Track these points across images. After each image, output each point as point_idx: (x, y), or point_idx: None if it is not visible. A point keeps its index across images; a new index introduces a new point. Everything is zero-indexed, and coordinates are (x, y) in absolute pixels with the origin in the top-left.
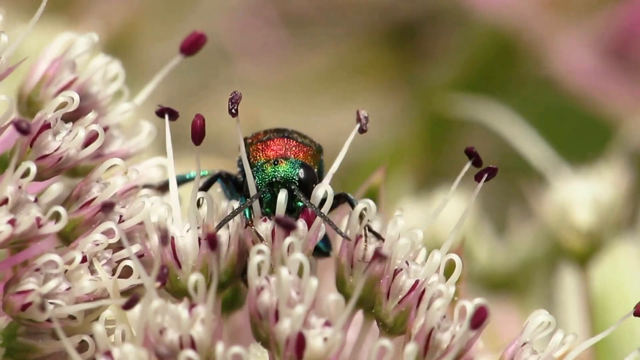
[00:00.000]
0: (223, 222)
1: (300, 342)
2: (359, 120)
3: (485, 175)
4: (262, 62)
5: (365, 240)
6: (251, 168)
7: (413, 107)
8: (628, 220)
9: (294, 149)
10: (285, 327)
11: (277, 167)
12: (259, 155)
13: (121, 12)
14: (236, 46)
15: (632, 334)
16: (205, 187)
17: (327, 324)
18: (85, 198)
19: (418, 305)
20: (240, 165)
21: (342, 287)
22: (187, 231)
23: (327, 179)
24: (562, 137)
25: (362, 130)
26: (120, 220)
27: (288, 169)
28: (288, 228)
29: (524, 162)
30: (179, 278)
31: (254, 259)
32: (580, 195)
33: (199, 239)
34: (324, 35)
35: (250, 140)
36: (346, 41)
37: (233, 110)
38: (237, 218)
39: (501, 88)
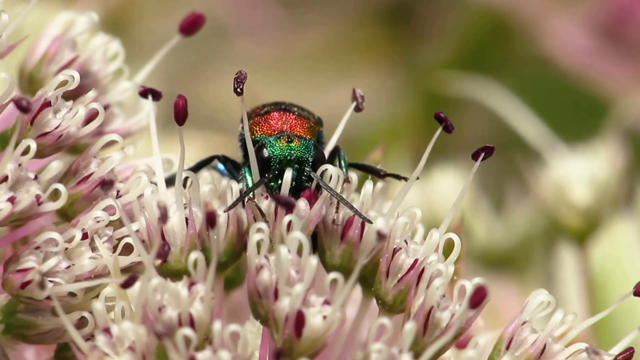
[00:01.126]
0: (236, 203)
1: (300, 320)
2: (355, 98)
3: (483, 154)
4: (259, 39)
5: (337, 205)
6: (254, 142)
7: (409, 85)
8: (625, 197)
9: (294, 121)
10: (285, 305)
11: (292, 146)
12: (260, 129)
13: None
14: (234, 24)
15: (632, 312)
16: (196, 168)
17: (327, 302)
18: (83, 173)
19: (417, 284)
20: (242, 141)
21: (322, 255)
22: (174, 212)
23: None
24: (557, 115)
25: (357, 109)
26: (118, 196)
27: (302, 149)
28: (287, 207)
29: (520, 140)
30: (167, 259)
31: (253, 237)
32: (576, 172)
33: (186, 219)
34: (320, 13)
35: (248, 114)
36: (342, 19)
37: (239, 90)
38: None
39: (496, 67)
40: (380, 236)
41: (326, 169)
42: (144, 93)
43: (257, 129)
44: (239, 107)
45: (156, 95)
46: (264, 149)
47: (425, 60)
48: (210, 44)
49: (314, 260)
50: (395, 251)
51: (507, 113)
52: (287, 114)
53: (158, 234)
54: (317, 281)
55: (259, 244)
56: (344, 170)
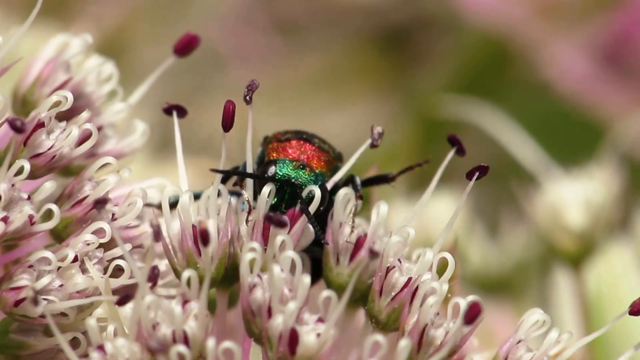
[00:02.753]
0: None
1: (293, 338)
2: (372, 135)
3: (477, 174)
4: (254, 66)
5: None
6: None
7: (406, 111)
8: (620, 221)
9: (312, 152)
10: (278, 323)
11: (300, 172)
12: (277, 155)
13: (114, 15)
14: (229, 51)
15: (628, 333)
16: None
17: (320, 320)
18: (77, 196)
19: (411, 302)
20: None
21: (329, 272)
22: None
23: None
24: (554, 140)
25: (372, 146)
26: (113, 219)
27: (309, 179)
28: (279, 225)
29: (516, 164)
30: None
31: (246, 257)
32: (572, 196)
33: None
34: (316, 39)
35: (269, 138)
36: (339, 46)
37: (247, 98)
38: (225, 215)
39: (494, 92)
40: (372, 254)
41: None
42: (169, 109)
43: (274, 154)
44: (233, 133)
45: (181, 112)
46: (273, 165)
47: (423, 86)
48: (205, 70)
49: (307, 279)
50: (388, 270)
51: (503, 137)
52: (307, 144)
53: (152, 252)
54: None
55: (251, 263)
56: (358, 188)
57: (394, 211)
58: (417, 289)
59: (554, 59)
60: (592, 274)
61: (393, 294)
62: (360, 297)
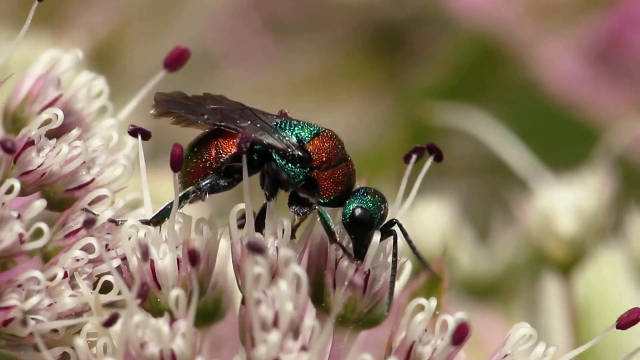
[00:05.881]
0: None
1: None
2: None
3: (415, 156)
4: (246, 67)
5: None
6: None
7: (397, 113)
8: (612, 227)
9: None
10: (261, 353)
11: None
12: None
13: (106, 22)
14: (221, 52)
15: (616, 344)
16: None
17: (304, 348)
18: (71, 226)
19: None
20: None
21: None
22: (166, 254)
23: None
24: (546, 143)
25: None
26: (107, 249)
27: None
28: (257, 252)
29: (509, 167)
30: (159, 300)
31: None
32: (563, 203)
33: (178, 260)
34: (308, 40)
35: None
36: (330, 46)
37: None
38: (208, 234)
39: (485, 94)
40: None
41: None
42: (134, 132)
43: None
44: None
45: (145, 135)
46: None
47: (414, 88)
48: (197, 71)
49: (289, 306)
50: (337, 261)
51: (494, 142)
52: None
53: (139, 272)
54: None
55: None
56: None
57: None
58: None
59: (545, 59)
60: (582, 281)
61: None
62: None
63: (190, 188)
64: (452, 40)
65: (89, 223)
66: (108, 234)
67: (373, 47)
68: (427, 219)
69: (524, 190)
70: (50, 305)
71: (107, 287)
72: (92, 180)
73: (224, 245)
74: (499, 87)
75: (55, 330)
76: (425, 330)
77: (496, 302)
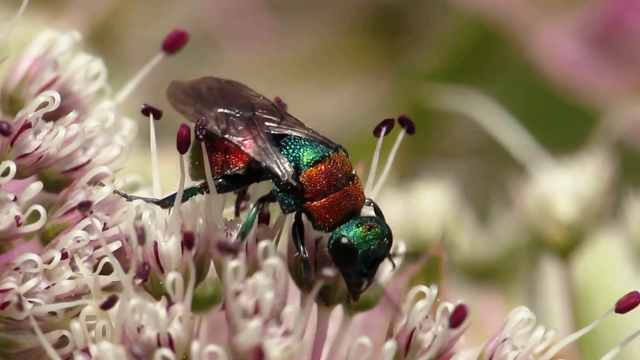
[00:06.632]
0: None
1: (259, 354)
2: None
3: (384, 129)
4: (247, 47)
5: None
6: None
7: (396, 94)
8: (611, 211)
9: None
10: (243, 340)
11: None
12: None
13: (104, 2)
14: (221, 31)
15: (615, 327)
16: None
17: (287, 333)
18: (70, 204)
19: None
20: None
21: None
22: (170, 237)
23: None
24: (544, 126)
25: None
26: (105, 228)
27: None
28: (230, 252)
29: (507, 150)
30: (161, 283)
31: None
32: (561, 187)
33: (182, 244)
34: (308, 20)
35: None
36: (330, 27)
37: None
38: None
39: (484, 76)
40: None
41: None
42: (146, 111)
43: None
44: None
45: (157, 114)
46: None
47: (413, 69)
48: (197, 51)
49: (269, 294)
50: None
51: (493, 125)
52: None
53: (137, 255)
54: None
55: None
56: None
57: (385, 201)
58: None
59: (544, 42)
60: (580, 265)
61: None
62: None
63: (198, 185)
64: (451, 22)
65: (85, 206)
66: (107, 214)
67: (373, 28)
68: (426, 202)
69: (523, 174)
70: (47, 288)
71: (108, 270)
72: (89, 161)
73: None
74: (497, 69)
75: (53, 313)
76: (427, 317)
77: (495, 285)
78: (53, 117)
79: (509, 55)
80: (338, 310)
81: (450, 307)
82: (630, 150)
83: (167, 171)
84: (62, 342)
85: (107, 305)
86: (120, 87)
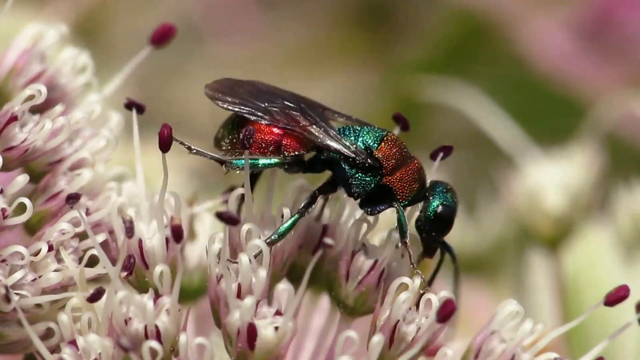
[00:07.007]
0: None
1: (252, 334)
2: None
3: (441, 154)
4: (234, 40)
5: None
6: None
7: (384, 87)
8: (599, 203)
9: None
10: (236, 319)
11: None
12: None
13: None
14: (208, 25)
15: (604, 320)
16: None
17: (278, 313)
18: (52, 190)
19: (378, 285)
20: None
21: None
22: (154, 234)
23: None
24: (533, 119)
25: None
26: (87, 213)
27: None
28: (230, 223)
29: (496, 143)
30: (146, 279)
31: (213, 247)
32: (550, 179)
33: (167, 240)
34: (295, 13)
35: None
36: (318, 19)
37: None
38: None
39: (473, 69)
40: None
41: None
42: (129, 105)
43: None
44: (212, 110)
45: (140, 109)
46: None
47: (401, 61)
48: (183, 45)
49: (262, 272)
50: (354, 253)
51: (482, 117)
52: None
53: (124, 248)
54: None
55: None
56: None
57: None
58: (383, 272)
59: (533, 35)
60: (569, 257)
61: (360, 277)
62: (325, 285)
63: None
64: (439, 14)
65: (74, 198)
66: (90, 200)
67: (359, 21)
68: None
69: (511, 166)
70: (34, 280)
71: (94, 262)
72: (74, 152)
73: (209, 220)
74: (486, 62)
75: (39, 306)
76: (410, 309)
77: (483, 277)
78: (40, 109)
79: (498, 47)
80: (325, 302)
81: (434, 299)
82: (618, 142)
83: (152, 165)
84: (47, 333)
85: (94, 298)
86: (106, 80)
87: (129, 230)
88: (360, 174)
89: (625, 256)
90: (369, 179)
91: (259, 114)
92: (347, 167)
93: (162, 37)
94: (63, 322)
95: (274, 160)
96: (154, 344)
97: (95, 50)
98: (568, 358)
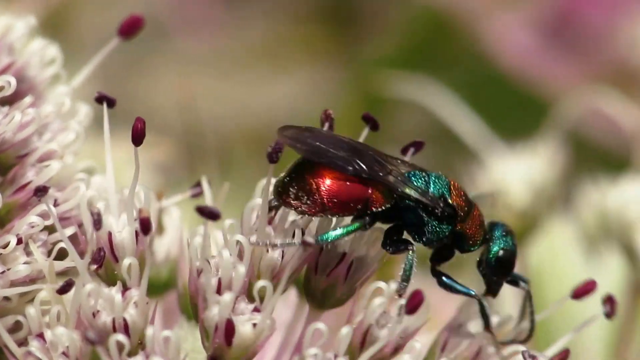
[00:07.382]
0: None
1: (229, 329)
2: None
3: (412, 149)
4: (198, 35)
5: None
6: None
7: (348, 83)
8: (563, 198)
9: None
10: (214, 314)
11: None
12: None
13: None
14: (173, 20)
15: (568, 313)
16: None
17: (256, 309)
18: (20, 182)
19: (346, 277)
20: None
21: None
22: (124, 227)
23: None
24: (497, 115)
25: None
26: (56, 204)
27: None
28: (211, 218)
29: (460, 138)
30: (116, 273)
31: (194, 240)
32: (514, 174)
33: (137, 233)
34: (260, 8)
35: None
36: (282, 15)
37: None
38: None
39: (437, 65)
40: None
41: None
42: (100, 99)
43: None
44: (176, 105)
45: (111, 103)
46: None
47: (366, 58)
48: (148, 40)
49: (242, 268)
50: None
51: (446, 113)
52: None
53: (92, 241)
54: None
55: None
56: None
57: None
58: (352, 264)
59: (497, 31)
60: (533, 251)
61: (328, 270)
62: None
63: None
64: (404, 11)
65: (42, 191)
66: (59, 191)
67: (325, 16)
68: None
69: (476, 161)
70: (2, 272)
71: (63, 254)
72: (43, 145)
73: (177, 214)
74: (450, 58)
75: (7, 298)
76: (384, 313)
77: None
78: (9, 101)
79: (462, 44)
80: (292, 295)
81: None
82: (582, 138)
83: (120, 159)
84: (16, 327)
85: (63, 290)
86: (73, 72)
87: (97, 222)
88: (435, 222)
89: (588, 250)
90: (444, 226)
91: (340, 163)
92: (424, 215)
93: (130, 29)
94: (31, 315)
95: (356, 224)
96: (121, 337)
97: (63, 44)
98: (533, 350)
